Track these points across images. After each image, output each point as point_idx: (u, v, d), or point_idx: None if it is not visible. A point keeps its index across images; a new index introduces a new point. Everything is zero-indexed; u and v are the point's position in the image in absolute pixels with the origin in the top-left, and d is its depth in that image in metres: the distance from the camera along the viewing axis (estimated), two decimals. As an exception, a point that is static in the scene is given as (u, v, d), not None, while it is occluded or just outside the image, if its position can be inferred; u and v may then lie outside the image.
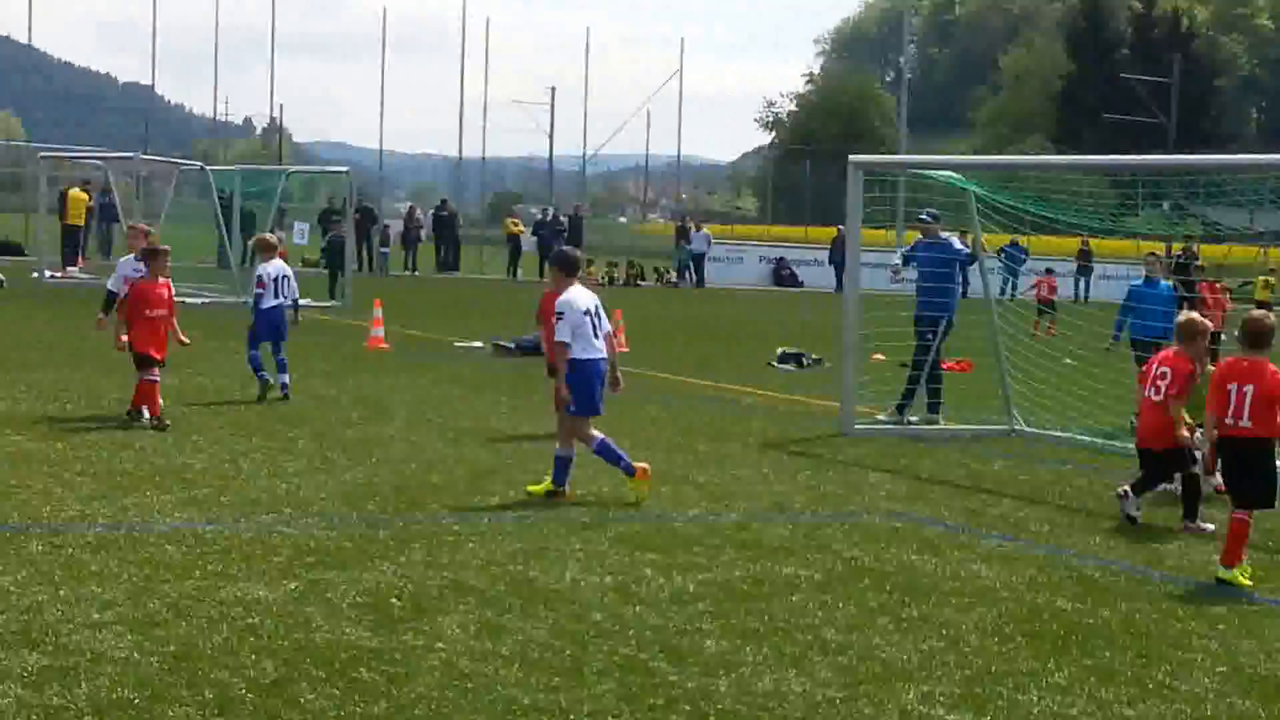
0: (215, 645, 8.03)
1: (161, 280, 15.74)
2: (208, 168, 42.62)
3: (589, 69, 76.12)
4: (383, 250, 53.42)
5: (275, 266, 18.06)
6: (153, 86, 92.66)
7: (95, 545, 10.11)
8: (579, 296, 12.52)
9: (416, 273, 53.94)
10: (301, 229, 49.67)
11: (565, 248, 13.75)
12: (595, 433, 12.68)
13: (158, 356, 15.41)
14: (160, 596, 8.92)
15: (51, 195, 44.67)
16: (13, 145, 77.54)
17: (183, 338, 15.94)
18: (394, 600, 9.14)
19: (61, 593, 8.89)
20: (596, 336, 12.52)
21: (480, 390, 19.64)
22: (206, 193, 40.58)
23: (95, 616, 8.43)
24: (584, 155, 76.27)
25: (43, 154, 45.91)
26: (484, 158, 73.74)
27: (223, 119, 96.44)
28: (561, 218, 58.45)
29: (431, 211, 59.14)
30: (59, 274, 39.77)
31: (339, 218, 40.06)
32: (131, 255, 16.53)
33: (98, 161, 47.10)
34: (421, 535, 10.95)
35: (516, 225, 57.44)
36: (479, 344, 26.21)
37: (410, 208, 63.47)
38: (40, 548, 9.95)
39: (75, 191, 44.89)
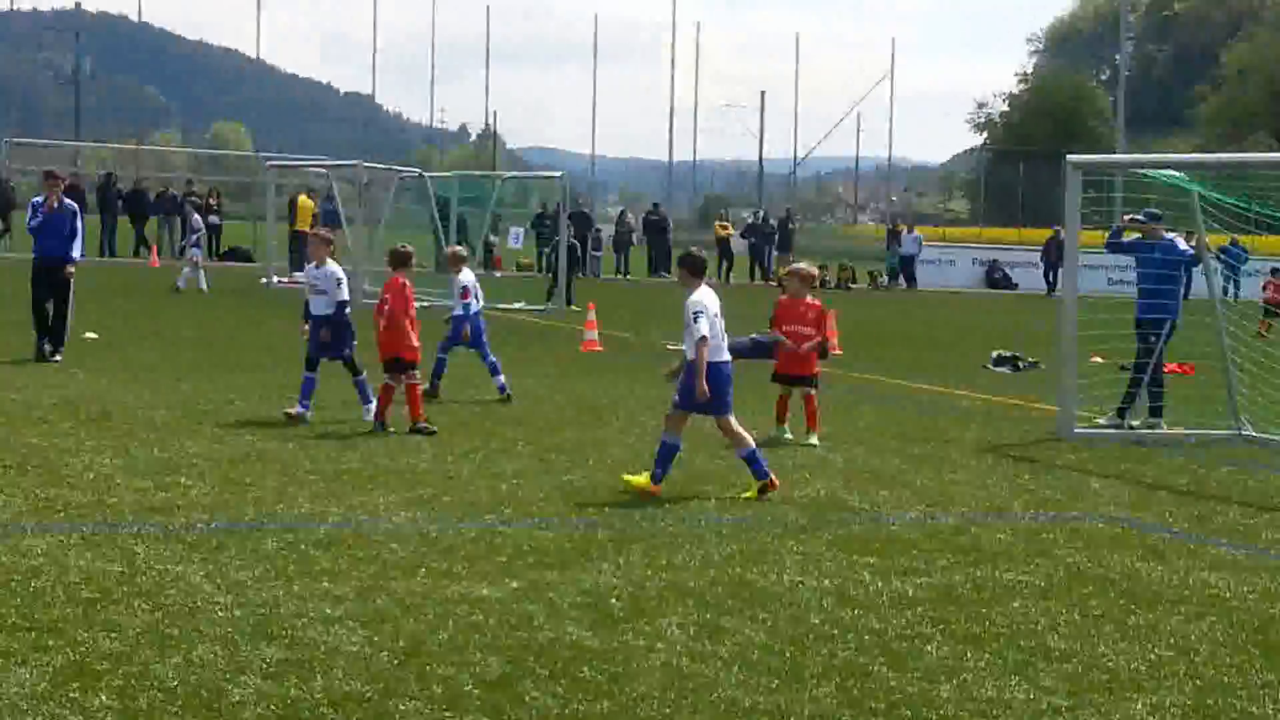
0: (442, 642, 8.20)
1: (409, 285, 15.88)
2: (425, 174, 43.42)
3: (799, 72, 76.04)
4: (595, 254, 53.90)
5: (472, 275, 18.48)
6: (372, 96, 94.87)
7: (326, 542, 10.38)
8: (709, 299, 12.69)
9: (628, 276, 54.32)
10: (516, 233, 50.35)
11: (692, 249, 13.89)
12: (679, 437, 12.75)
13: (408, 358, 15.58)
14: (389, 593, 9.14)
15: (279, 203, 45.87)
16: (241, 155, 79.81)
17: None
18: (614, 600, 9.24)
19: (295, 588, 9.15)
20: (722, 339, 12.72)
21: (694, 393, 19.70)
22: (424, 199, 41.39)
23: (328, 611, 8.66)
24: (794, 158, 76.25)
25: (270, 163, 47.18)
26: (694, 161, 74.09)
27: (438, 126, 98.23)
28: (771, 221, 58.43)
29: (644, 216, 59.54)
30: (286, 280, 40.75)
31: (552, 222, 40.53)
32: (313, 264, 16.54)
33: (321, 169, 48.19)
34: (639, 537, 11.05)
35: (726, 229, 57.52)
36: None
37: (621, 212, 64.01)
38: (274, 544, 10.25)
39: (304, 198, 46.04)
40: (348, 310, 16.23)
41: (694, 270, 13.02)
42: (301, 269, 42.74)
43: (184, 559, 9.72)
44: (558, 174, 44.25)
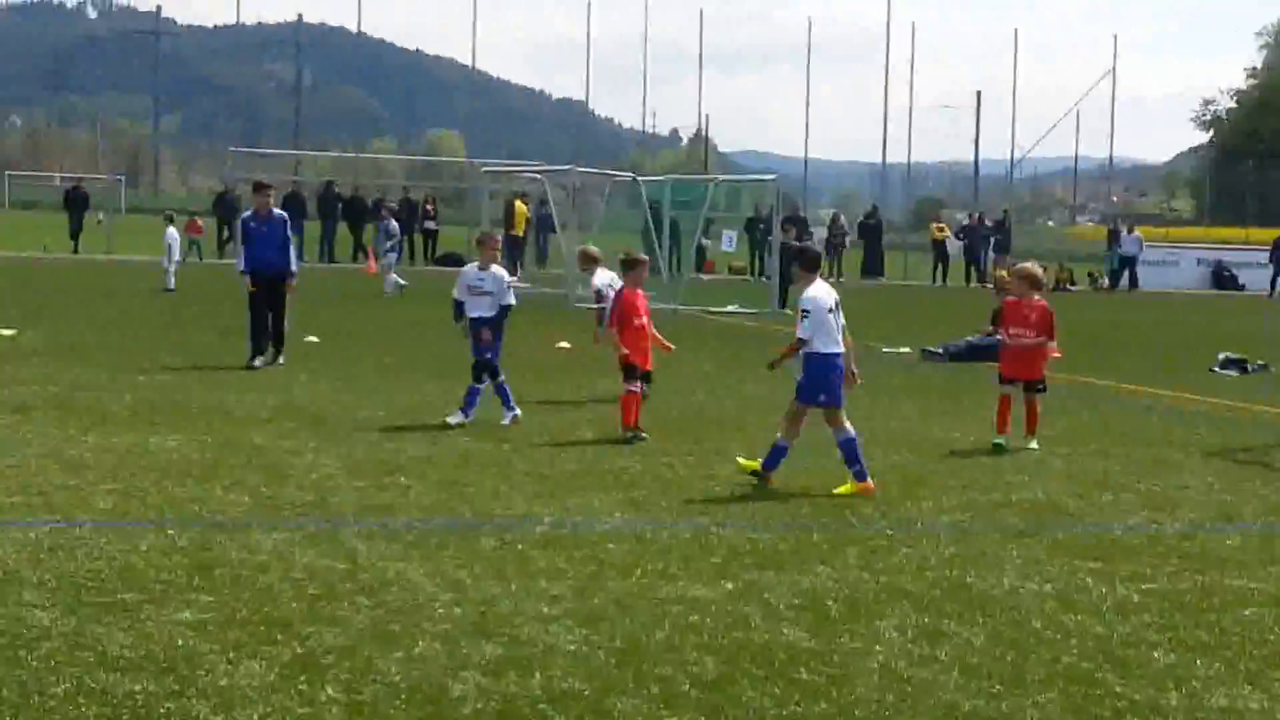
0: (658, 641, 8.20)
1: (642, 290, 15.80)
2: (639, 178, 43.65)
3: (1017, 71, 74.97)
4: (807, 257, 53.65)
5: (609, 276, 18.42)
6: (585, 102, 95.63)
7: (542, 542, 10.47)
8: (823, 293, 12.88)
9: (841, 279, 54.03)
10: (729, 237, 50.36)
11: (809, 244, 13.87)
12: (849, 426, 12.80)
13: (645, 366, 15.53)
14: (605, 592, 9.18)
15: (494, 208, 46.50)
16: (456, 162, 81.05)
17: (666, 344, 16.37)
18: (830, 602, 9.17)
19: (513, 587, 9.24)
20: (837, 332, 12.85)
21: (909, 396, 19.50)
22: (637, 203, 41.61)
23: (545, 610, 8.73)
24: (1011, 158, 75.12)
25: (485, 169, 47.87)
26: (908, 163, 73.42)
27: (650, 131, 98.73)
28: (988, 222, 57.69)
29: (860, 218, 59.24)
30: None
31: (791, 225, 40.50)
32: (474, 265, 16.42)
33: (535, 175, 48.73)
34: (855, 539, 10.96)
35: (942, 230, 56.94)
36: (906, 349, 26.08)
37: (834, 214, 63.68)
38: (491, 543, 10.36)
39: (520, 204, 46.63)
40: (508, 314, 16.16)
41: (809, 265, 13.27)
42: (513, 274, 43.40)
43: (404, 557, 9.88)
44: (770, 177, 44.19)
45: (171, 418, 15.40)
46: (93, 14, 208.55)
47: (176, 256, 36.45)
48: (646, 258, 16.28)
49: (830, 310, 12.85)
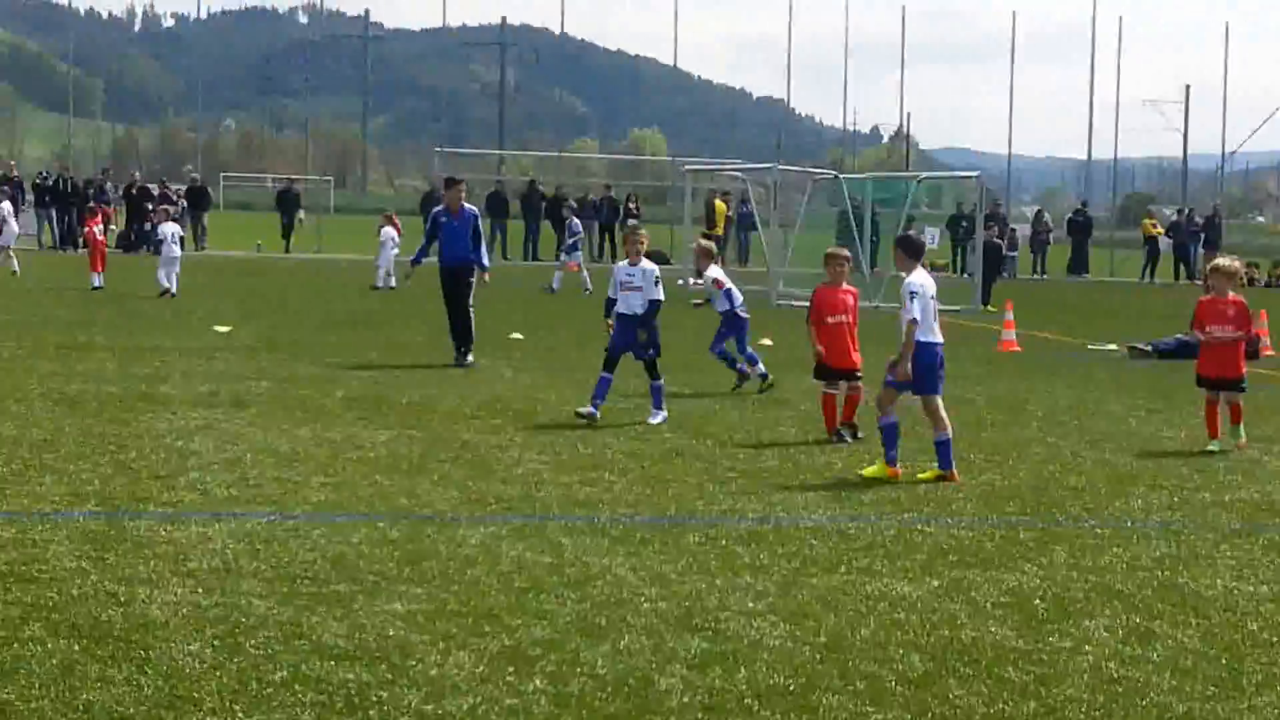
0: (864, 638, 8.17)
1: (845, 287, 15.46)
2: (840, 175, 43.48)
3: (1228, 64, 73.21)
4: (1010, 254, 53.04)
5: (720, 270, 18.85)
6: (786, 100, 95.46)
7: (746, 538, 10.50)
8: (929, 281, 13.08)
9: (1045, 276, 53.28)
10: (931, 234, 50.00)
11: (910, 233, 13.89)
12: (894, 415, 13.03)
13: (833, 366, 15.14)
14: (809, 589, 9.17)
15: (695, 206, 46.66)
16: (657, 160, 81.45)
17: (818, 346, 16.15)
18: (1037, 601, 9.05)
19: (718, 582, 9.27)
20: (935, 321, 13.05)
21: (1117, 393, 19.18)
22: (839, 200, 41.41)
23: (750, 605, 8.74)
24: (1222, 153, 73.32)
25: (687, 167, 48.06)
26: (1114, 159, 72.10)
27: (851, 129, 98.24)
28: (1197, 218, 56.42)
29: (1069, 215, 58.37)
30: (698, 282, 41.48)
31: (993, 223, 40.09)
32: (625, 261, 16.46)
33: (737, 173, 48.83)
34: (1063, 537, 10.81)
35: (1155, 227, 55.78)
36: (1113, 346, 25.65)
37: (1038, 211, 62.82)
38: (696, 539, 10.41)
39: (719, 202, 46.81)
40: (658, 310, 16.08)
41: (912, 253, 13.39)
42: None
43: (609, 552, 9.97)
44: (973, 174, 43.70)
45: (381, 413, 15.71)
46: (303, 19, 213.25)
47: (391, 254, 36.49)
48: (847, 254, 16.05)
49: (932, 298, 13.06)
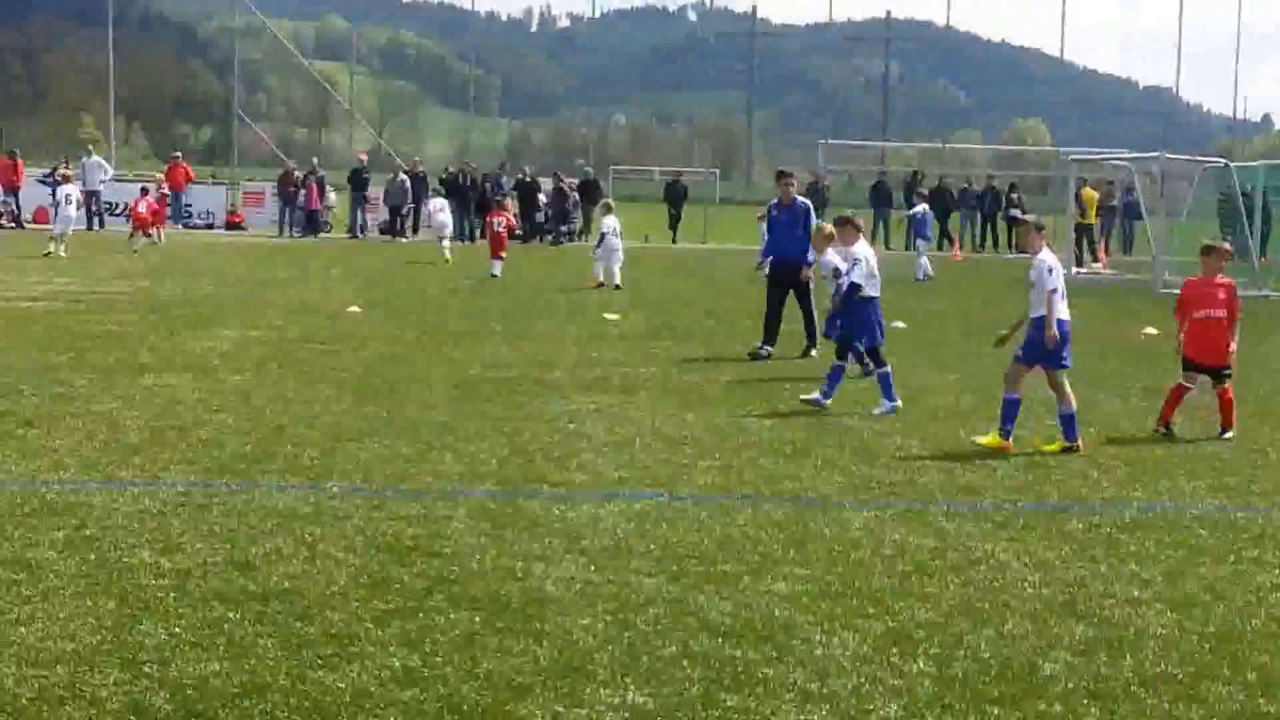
0: (1255, 629, 8.03)
1: (1219, 280, 14.70)
2: (1230, 164, 41.98)
3: None
4: None
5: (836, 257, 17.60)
6: (1174, 89, 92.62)
7: (1131, 526, 10.38)
8: (1057, 260, 13.67)
9: None
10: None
11: (1033, 216, 13.64)
12: (1018, 392, 13.27)
13: (1196, 360, 14.51)
14: (1196, 578, 9.04)
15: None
16: (1040, 150, 79.99)
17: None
18: None
19: (1102, 569, 9.21)
20: (1064, 299, 13.45)
21: None
22: (1227, 189, 40.00)
23: (1134, 593, 8.66)
24: None
25: (1072, 157, 47.21)
26: None
27: (1241, 117, 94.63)
28: None
29: None
30: (1083, 270, 40.88)
31: None
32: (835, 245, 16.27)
33: (1122, 162, 47.64)
34: None
35: None
36: None
37: None
38: (1080, 525, 10.34)
39: (1088, 190, 45.84)
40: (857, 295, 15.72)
41: (1043, 232, 14.07)
42: (1082, 263, 42.74)
43: (992, 536, 9.98)
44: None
45: (764, 399, 15.92)
46: (692, 16, 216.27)
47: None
48: (1226, 248, 15.18)
49: (1063, 275, 13.65)
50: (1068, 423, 13.23)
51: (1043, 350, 13.31)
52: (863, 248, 15.96)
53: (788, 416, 14.88)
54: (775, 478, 11.85)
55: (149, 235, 40.13)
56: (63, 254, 34.87)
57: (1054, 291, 13.29)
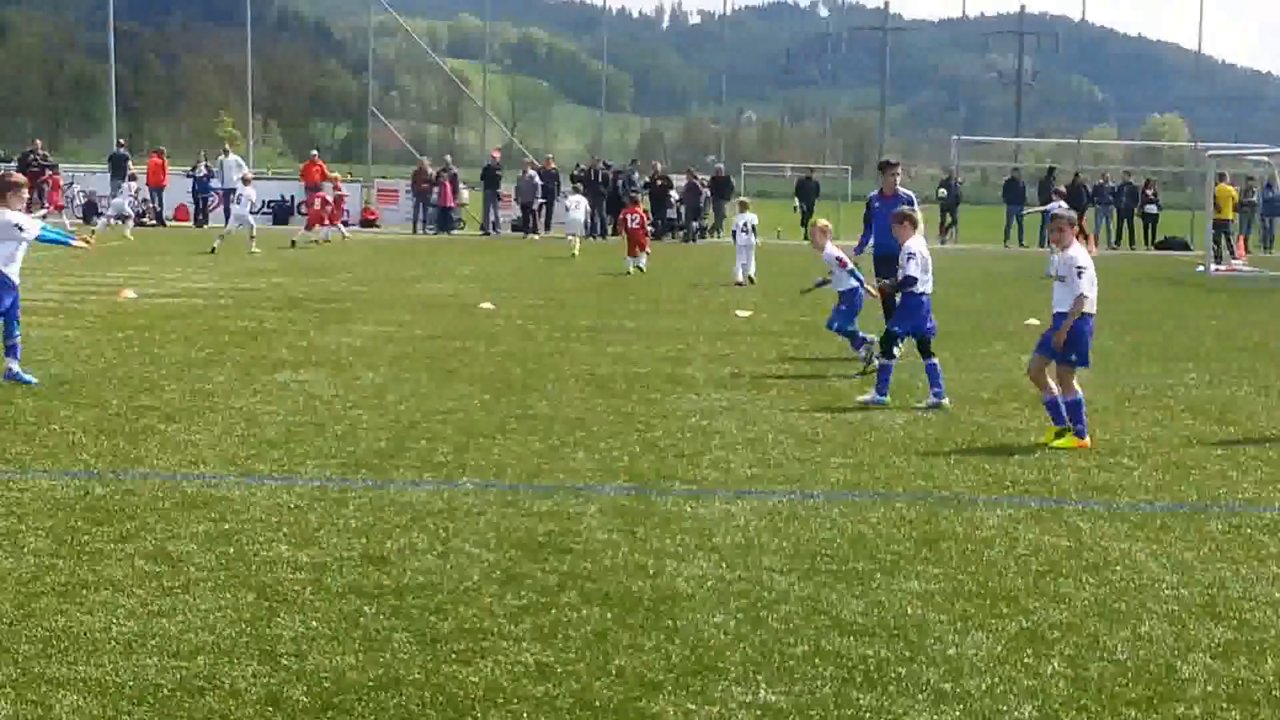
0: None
1: None
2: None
3: None
4: None
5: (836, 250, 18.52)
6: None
7: (1272, 527, 10.20)
8: (1090, 260, 13.48)
9: None
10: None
11: (1072, 210, 14.17)
12: (1079, 392, 13.23)
13: None
14: (1339, 583, 8.86)
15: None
16: (1177, 145, 78.77)
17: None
18: None
19: (1242, 570, 9.05)
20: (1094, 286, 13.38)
21: None
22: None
23: (1276, 595, 8.51)
24: None
25: (1210, 152, 46.51)
26: None
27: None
28: None
29: None
30: (1221, 268, 40.37)
31: None
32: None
33: (1262, 157, 46.91)
34: None
35: None
36: None
37: None
38: (1219, 526, 10.17)
39: (1220, 186, 45.16)
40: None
41: (1075, 227, 13.82)
42: (1220, 259, 42.06)
43: (1128, 537, 9.85)
44: None
45: (897, 395, 15.69)
46: (824, 12, 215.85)
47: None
48: None
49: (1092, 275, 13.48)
50: (1054, 409, 13.22)
51: (1073, 347, 13.22)
52: (918, 243, 15.76)
53: (919, 413, 14.77)
54: (907, 475, 11.77)
55: (329, 230, 41.89)
56: (248, 245, 36.41)
57: (1082, 297, 13.14)
